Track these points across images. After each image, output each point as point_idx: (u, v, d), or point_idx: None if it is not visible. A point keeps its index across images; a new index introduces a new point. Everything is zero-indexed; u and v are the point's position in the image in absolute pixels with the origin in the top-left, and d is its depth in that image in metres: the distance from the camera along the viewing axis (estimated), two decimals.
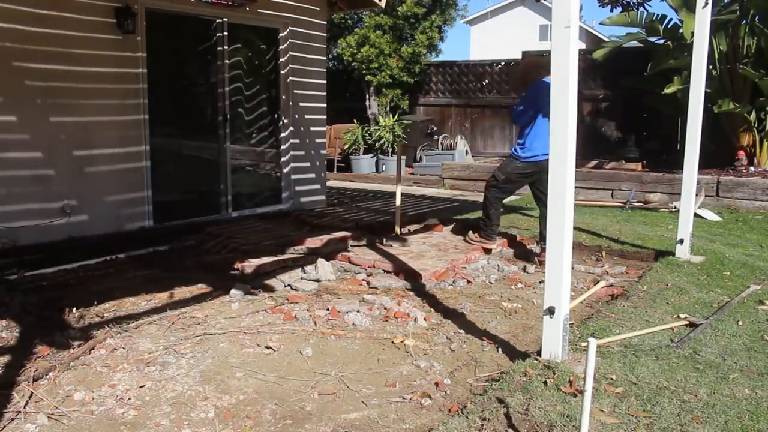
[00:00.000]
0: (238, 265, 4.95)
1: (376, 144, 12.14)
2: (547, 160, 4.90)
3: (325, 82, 8.30)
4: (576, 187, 3.77)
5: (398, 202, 6.31)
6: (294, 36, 7.77)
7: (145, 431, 2.67)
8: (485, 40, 34.16)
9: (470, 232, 6.12)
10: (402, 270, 5.00)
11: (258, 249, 5.40)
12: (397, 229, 6.27)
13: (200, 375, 3.20)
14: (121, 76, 6.12)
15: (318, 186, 8.36)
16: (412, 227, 6.64)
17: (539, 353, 3.26)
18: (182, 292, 4.56)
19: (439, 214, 7.91)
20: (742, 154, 9.62)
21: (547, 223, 3.21)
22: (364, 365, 3.35)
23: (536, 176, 5.52)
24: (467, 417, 2.63)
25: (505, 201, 6.42)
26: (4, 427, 2.66)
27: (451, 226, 6.62)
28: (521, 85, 6.02)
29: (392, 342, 3.65)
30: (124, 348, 3.50)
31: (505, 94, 13.44)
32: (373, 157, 12.81)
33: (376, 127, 12.16)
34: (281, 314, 4.08)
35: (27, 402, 2.85)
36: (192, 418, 2.77)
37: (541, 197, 5.57)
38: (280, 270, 4.99)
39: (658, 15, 10.33)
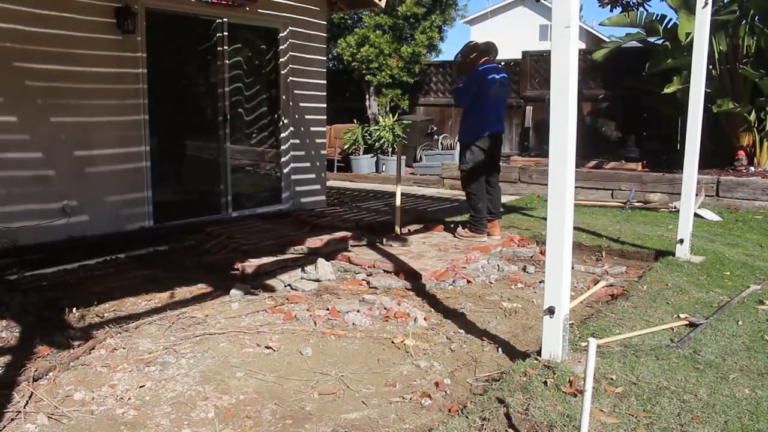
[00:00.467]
0: (238, 265, 4.95)
1: (376, 144, 12.13)
2: (496, 132, 6.15)
3: (325, 82, 8.30)
4: (576, 187, 3.77)
5: (398, 201, 6.31)
6: (294, 36, 7.77)
7: (145, 431, 2.67)
8: (485, 40, 34.12)
9: (459, 227, 6.26)
10: (402, 270, 5.00)
11: (258, 249, 5.40)
12: (397, 229, 6.27)
13: (200, 375, 3.20)
14: (121, 76, 6.12)
15: (318, 186, 8.36)
16: (412, 227, 6.64)
17: (539, 353, 3.26)
18: (182, 292, 4.56)
19: (439, 214, 7.92)
20: (742, 154, 9.62)
21: (547, 223, 3.21)
22: (364, 365, 3.35)
23: (491, 148, 6.11)
24: (467, 417, 2.63)
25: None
26: (4, 427, 2.66)
27: (451, 226, 6.62)
28: (464, 71, 6.43)
29: (392, 342, 3.65)
30: (124, 348, 3.50)
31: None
32: (373, 157, 12.81)
33: (376, 127, 12.15)
34: (281, 314, 4.08)
35: (27, 402, 2.85)
36: (192, 418, 2.77)
37: (491, 171, 6.24)
38: (280, 270, 4.99)
39: (657, 15, 10.34)
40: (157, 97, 6.42)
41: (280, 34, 7.71)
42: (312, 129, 8.18)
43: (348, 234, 5.84)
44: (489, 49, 6.27)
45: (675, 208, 7.79)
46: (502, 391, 2.84)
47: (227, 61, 7.14)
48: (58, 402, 2.88)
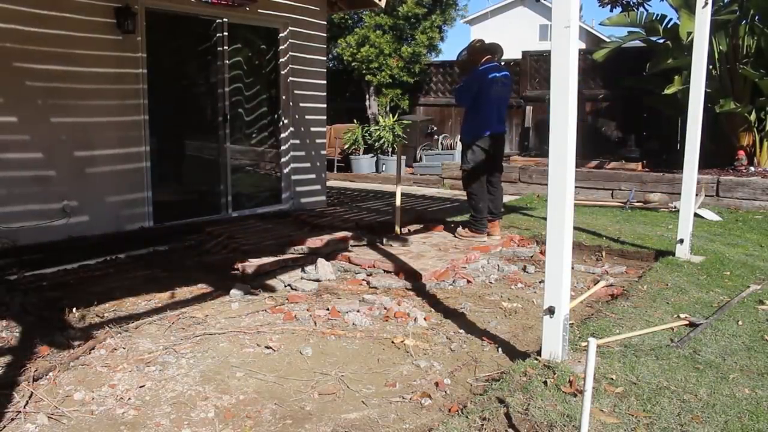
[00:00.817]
0: (238, 265, 4.95)
1: (376, 144, 12.10)
2: (498, 132, 6.07)
3: (325, 82, 8.30)
4: (576, 187, 3.77)
5: (398, 201, 6.31)
6: (294, 36, 7.77)
7: (145, 431, 2.67)
8: (485, 40, 34.11)
9: (459, 227, 6.26)
10: (402, 270, 5.00)
11: (258, 249, 5.40)
12: (397, 229, 6.27)
13: (200, 375, 3.20)
14: (121, 76, 6.12)
15: (318, 186, 8.36)
16: (412, 227, 6.64)
17: (539, 353, 3.26)
18: (182, 292, 4.56)
19: (439, 214, 7.92)
20: (742, 154, 9.62)
21: (547, 223, 3.21)
22: (364, 365, 3.35)
23: (492, 148, 6.09)
24: (467, 417, 2.63)
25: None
26: (4, 427, 2.66)
27: (451, 226, 6.62)
28: (466, 70, 6.46)
29: (392, 342, 3.65)
30: (124, 348, 3.50)
31: None
32: (373, 157, 12.81)
33: (376, 127, 12.12)
34: (281, 314, 4.08)
35: (27, 402, 2.85)
36: (192, 418, 2.77)
37: (493, 171, 6.21)
38: (280, 270, 4.99)
39: (657, 15, 10.34)
40: (157, 97, 6.42)
41: (280, 34, 7.71)
42: (312, 129, 8.18)
43: (348, 234, 5.85)
44: (493, 48, 6.25)
45: (675, 208, 7.78)
46: (502, 391, 2.84)
47: (227, 61, 7.14)
48: (58, 402, 2.88)
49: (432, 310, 4.26)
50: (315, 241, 5.51)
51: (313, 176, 8.26)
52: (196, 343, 3.61)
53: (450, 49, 68.32)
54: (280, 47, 7.73)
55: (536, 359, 3.20)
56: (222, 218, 7.08)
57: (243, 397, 2.97)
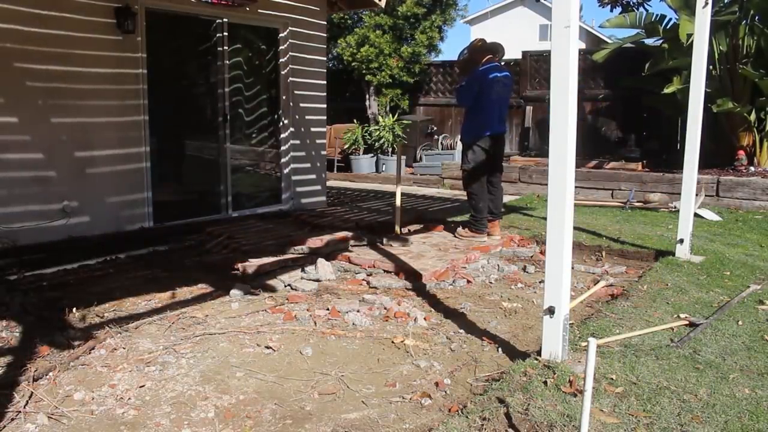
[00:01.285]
0: (238, 265, 4.95)
1: (376, 144, 12.10)
2: (498, 132, 6.10)
3: (325, 82, 8.30)
4: (576, 187, 3.77)
5: (398, 201, 6.31)
6: (294, 36, 7.77)
7: (145, 431, 2.67)
8: (486, 40, 34.10)
9: (459, 227, 6.26)
10: (402, 270, 5.00)
11: (258, 249, 5.41)
12: (398, 229, 6.27)
13: (200, 375, 3.20)
14: (121, 76, 6.12)
15: (318, 186, 8.37)
16: (413, 227, 6.64)
17: (539, 353, 3.26)
18: (182, 292, 4.56)
19: (439, 214, 7.92)
20: (742, 153, 9.62)
21: (547, 223, 3.21)
22: (364, 365, 3.35)
23: (492, 148, 6.09)
24: (467, 417, 2.63)
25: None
26: (4, 427, 2.66)
27: (451, 226, 6.62)
28: (467, 70, 6.41)
29: (392, 342, 3.65)
30: (124, 348, 3.50)
31: None
32: (373, 157, 12.81)
33: (376, 127, 12.12)
34: (281, 314, 4.09)
35: (27, 402, 2.85)
36: (192, 418, 2.77)
37: (493, 171, 6.21)
38: (280, 270, 4.99)
39: (657, 15, 10.35)
40: (157, 97, 6.42)
41: (280, 34, 7.71)
42: (312, 129, 8.18)
43: (348, 234, 5.85)
44: (494, 48, 6.24)
45: (675, 208, 7.79)
46: (502, 391, 2.84)
47: (227, 62, 7.14)
48: (58, 402, 2.88)
49: (432, 310, 4.26)
50: (315, 241, 5.51)
51: (313, 176, 8.26)
52: (196, 343, 3.61)
53: (450, 49, 68.30)
54: (280, 47, 7.73)
55: (536, 359, 3.20)
56: (222, 218, 7.08)
57: (243, 397, 2.97)
